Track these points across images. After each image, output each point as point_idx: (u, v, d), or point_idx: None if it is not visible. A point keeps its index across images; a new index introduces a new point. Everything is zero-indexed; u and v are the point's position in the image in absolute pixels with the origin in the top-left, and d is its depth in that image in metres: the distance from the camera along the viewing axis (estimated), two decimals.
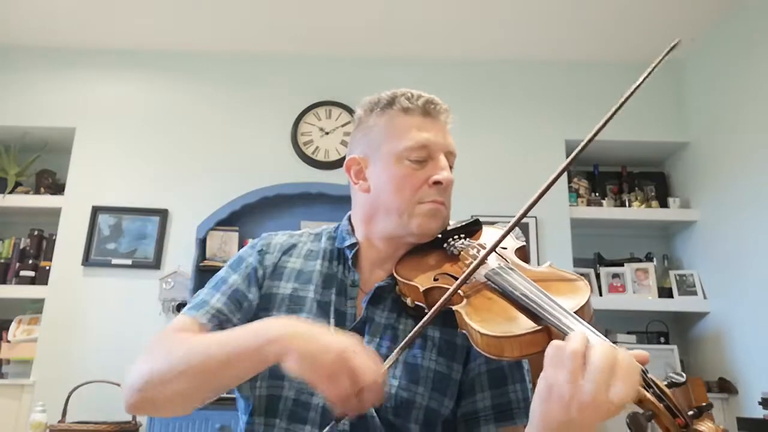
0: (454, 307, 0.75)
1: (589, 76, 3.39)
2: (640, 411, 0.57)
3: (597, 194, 3.32)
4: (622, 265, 3.18)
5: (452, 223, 0.97)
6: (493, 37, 3.23)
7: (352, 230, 0.99)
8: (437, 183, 0.90)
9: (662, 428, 0.57)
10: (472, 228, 0.97)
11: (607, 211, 3.23)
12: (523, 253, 0.90)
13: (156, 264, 3.04)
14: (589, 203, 3.26)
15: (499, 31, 3.18)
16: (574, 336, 0.60)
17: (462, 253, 0.89)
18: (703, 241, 3.09)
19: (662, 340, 3.10)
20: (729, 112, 2.91)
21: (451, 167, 0.95)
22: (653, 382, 0.58)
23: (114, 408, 2.67)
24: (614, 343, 0.61)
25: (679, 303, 3.03)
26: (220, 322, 0.89)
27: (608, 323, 3.13)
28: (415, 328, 0.76)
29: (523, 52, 3.35)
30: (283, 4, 3.01)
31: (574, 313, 0.67)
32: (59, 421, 2.53)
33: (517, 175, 3.22)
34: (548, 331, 0.66)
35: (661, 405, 0.57)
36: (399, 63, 3.37)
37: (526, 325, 0.68)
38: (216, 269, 3.04)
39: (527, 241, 3.08)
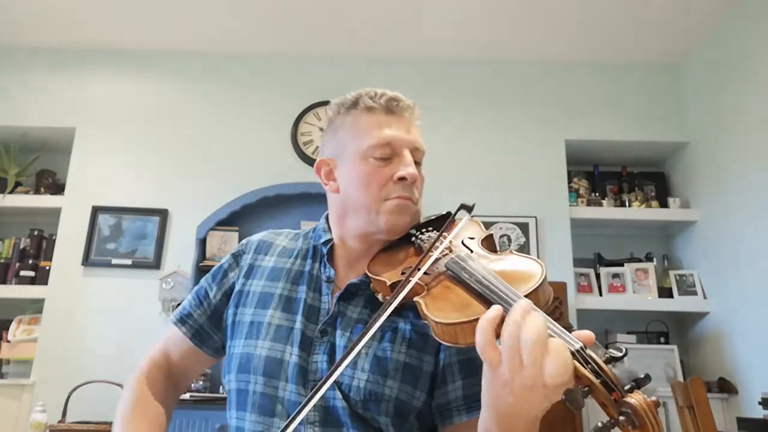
0: (415, 299, 0.77)
1: (589, 76, 3.39)
2: (577, 388, 0.57)
3: (597, 194, 3.32)
4: (622, 265, 3.18)
5: (425, 218, 0.99)
6: (493, 37, 3.23)
7: (329, 229, 1.01)
8: (402, 179, 0.91)
9: (599, 403, 0.58)
10: (444, 220, 0.96)
11: (607, 211, 3.23)
12: (490, 243, 0.90)
13: (156, 264, 3.04)
14: (589, 203, 3.26)
15: (499, 31, 3.18)
16: (507, 321, 0.61)
17: (427, 245, 0.89)
18: (703, 241, 3.09)
19: (662, 340, 3.10)
20: (729, 112, 2.91)
21: (418, 163, 0.96)
22: (591, 358, 0.58)
23: (114, 408, 2.65)
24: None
25: (679, 303, 3.03)
26: (188, 323, 1.03)
27: (608, 323, 3.13)
28: (372, 318, 0.77)
29: (523, 52, 3.35)
30: (283, 5, 3.01)
31: (527, 295, 0.67)
32: (59, 421, 2.53)
33: (517, 175, 3.22)
34: (501, 320, 0.66)
35: (598, 381, 0.57)
36: (399, 63, 3.37)
37: (478, 310, 0.68)
38: None
39: (527, 241, 3.08)
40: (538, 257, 3.02)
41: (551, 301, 0.69)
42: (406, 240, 0.95)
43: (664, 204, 3.26)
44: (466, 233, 0.91)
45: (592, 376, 0.58)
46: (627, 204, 3.27)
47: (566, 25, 3.11)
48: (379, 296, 0.88)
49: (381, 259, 0.92)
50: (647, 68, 3.38)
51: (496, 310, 0.63)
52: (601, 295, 3.11)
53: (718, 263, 2.95)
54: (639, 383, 0.56)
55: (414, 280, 0.79)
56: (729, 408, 2.75)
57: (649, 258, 3.23)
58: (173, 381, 1.05)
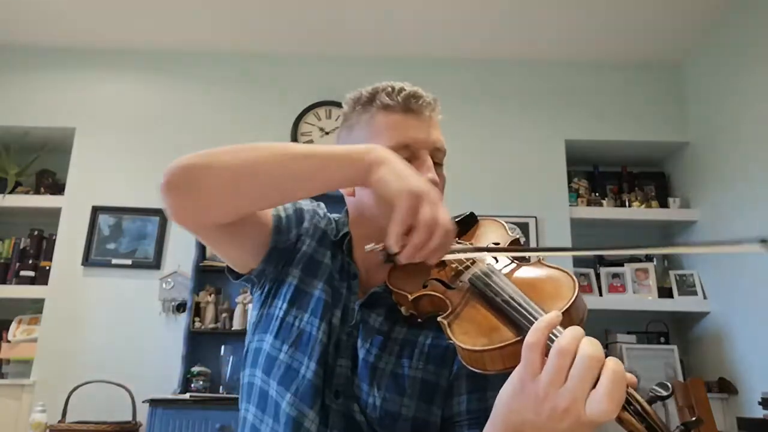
0: (439, 320, 0.71)
1: (589, 76, 3.39)
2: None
3: (597, 194, 3.32)
4: (622, 265, 3.18)
5: None
6: (492, 37, 3.23)
7: (348, 223, 0.96)
8: None
9: None
10: (467, 223, 0.90)
11: (607, 211, 3.23)
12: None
13: (156, 264, 3.04)
14: (589, 203, 3.26)
15: (499, 31, 3.18)
16: (565, 333, 0.55)
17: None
18: (703, 241, 3.09)
19: (662, 340, 3.10)
20: (729, 112, 2.91)
21: (439, 164, 0.90)
22: (634, 398, 0.53)
23: (114, 408, 2.67)
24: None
25: (679, 303, 3.03)
26: (281, 227, 0.92)
27: (608, 323, 3.13)
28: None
29: (523, 52, 3.35)
30: (283, 4, 3.01)
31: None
32: (59, 421, 2.53)
33: (517, 175, 3.22)
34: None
35: (642, 426, 0.52)
36: (399, 63, 3.37)
37: (506, 336, 0.64)
38: (216, 269, 3.05)
39: (527, 241, 3.08)
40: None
41: (585, 320, 0.63)
42: None
43: (664, 204, 3.25)
44: (490, 238, 0.85)
45: (635, 420, 0.52)
46: (627, 204, 3.27)
47: (566, 25, 3.11)
48: (403, 309, 0.82)
49: (402, 270, 0.84)
50: (647, 68, 3.38)
51: (557, 316, 0.58)
52: (601, 295, 3.11)
53: (718, 263, 2.94)
54: (688, 427, 0.51)
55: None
56: (729, 408, 2.75)
57: (649, 258, 3.23)
58: None
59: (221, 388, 2.78)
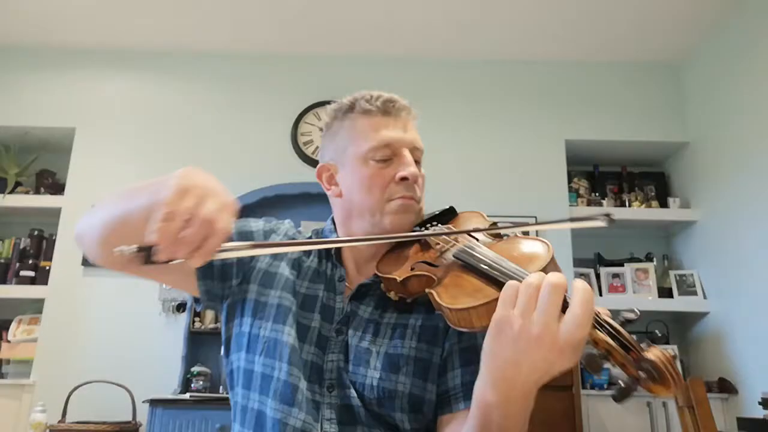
0: (427, 290, 0.78)
1: (589, 76, 3.39)
2: (595, 352, 0.59)
3: (597, 194, 3.32)
4: (622, 265, 3.18)
5: (428, 214, 1.00)
6: (493, 37, 3.23)
7: (335, 230, 1.02)
8: (404, 179, 0.92)
9: (618, 365, 0.59)
10: (447, 215, 0.99)
11: (607, 211, 3.22)
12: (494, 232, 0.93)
13: None
14: (589, 203, 3.26)
15: (499, 31, 3.18)
16: (531, 273, 0.62)
17: (433, 239, 0.92)
18: (703, 241, 3.09)
19: (662, 340, 3.10)
20: (729, 113, 2.91)
21: (418, 162, 0.96)
22: (606, 322, 0.59)
23: (114, 408, 2.67)
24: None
25: (679, 303, 3.03)
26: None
27: None
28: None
29: (523, 52, 3.35)
30: (283, 4, 3.01)
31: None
32: (59, 421, 2.53)
33: (517, 175, 3.22)
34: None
35: (615, 343, 0.59)
36: (399, 63, 3.37)
37: (490, 293, 0.69)
38: None
39: None
40: None
41: None
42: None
43: (664, 204, 3.25)
44: (470, 225, 0.93)
45: (609, 339, 0.59)
46: (627, 204, 3.27)
47: (566, 25, 3.11)
48: (391, 294, 0.89)
49: (389, 259, 0.93)
50: (647, 68, 3.38)
51: (535, 274, 0.63)
52: (601, 295, 3.11)
53: (718, 263, 2.95)
54: (654, 340, 0.59)
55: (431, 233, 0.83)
56: (729, 408, 2.75)
57: (649, 258, 3.23)
58: None
59: (221, 388, 2.78)
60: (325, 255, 1.00)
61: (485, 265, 0.74)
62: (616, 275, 3.15)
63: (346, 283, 0.96)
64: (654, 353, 0.57)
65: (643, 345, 0.58)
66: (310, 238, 1.06)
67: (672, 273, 3.12)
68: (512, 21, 3.09)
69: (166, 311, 2.96)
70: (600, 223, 0.67)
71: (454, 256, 0.81)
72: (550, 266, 0.71)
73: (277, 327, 0.91)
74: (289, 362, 0.87)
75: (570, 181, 3.28)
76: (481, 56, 3.39)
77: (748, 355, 2.70)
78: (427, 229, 0.94)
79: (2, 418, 2.78)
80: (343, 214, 0.99)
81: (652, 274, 3.12)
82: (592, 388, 2.81)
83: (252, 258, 0.98)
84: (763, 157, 2.63)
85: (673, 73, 3.38)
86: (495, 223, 0.91)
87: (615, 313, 0.62)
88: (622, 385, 0.57)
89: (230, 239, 0.91)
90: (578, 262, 3.16)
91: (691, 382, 1.93)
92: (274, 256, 0.99)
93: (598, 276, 3.18)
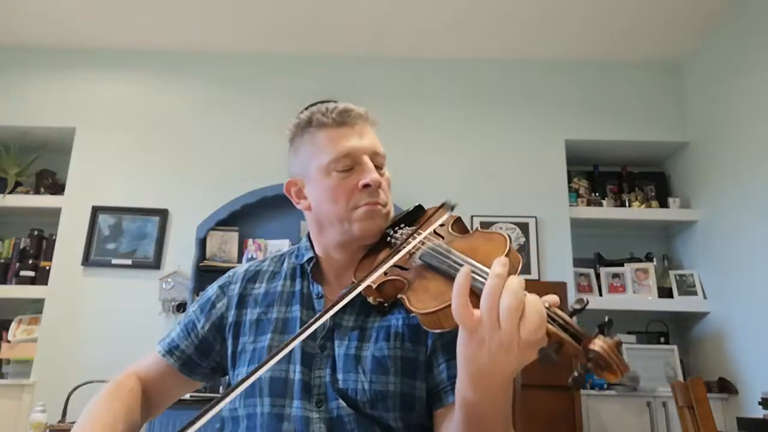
0: (399, 296, 0.81)
1: (589, 76, 3.39)
2: (547, 347, 0.62)
3: (597, 194, 3.32)
4: (622, 265, 3.18)
5: (396, 215, 1.02)
6: (492, 37, 3.23)
7: (311, 246, 1.05)
8: (366, 186, 0.94)
9: (572, 356, 0.61)
10: (415, 215, 1.01)
11: (607, 211, 3.23)
12: (460, 226, 0.94)
13: (156, 264, 3.04)
14: (589, 203, 3.26)
15: (499, 31, 3.18)
16: (489, 277, 0.65)
17: (399, 242, 0.94)
18: (703, 241, 3.09)
19: (662, 340, 3.10)
20: (729, 113, 2.91)
21: (380, 166, 0.99)
22: (557, 315, 0.63)
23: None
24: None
25: (679, 303, 3.03)
26: (175, 354, 1.04)
27: None
28: (347, 290, 0.81)
29: (523, 52, 3.35)
30: (283, 4, 3.02)
31: None
32: (59, 421, 2.52)
33: (517, 175, 3.22)
34: (475, 293, 0.70)
35: (566, 334, 0.61)
36: (399, 63, 3.37)
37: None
38: (216, 269, 3.05)
39: (527, 241, 3.08)
40: (538, 257, 3.04)
41: (520, 268, 0.73)
42: (383, 241, 0.98)
43: (664, 204, 3.25)
44: (436, 221, 0.95)
45: (560, 331, 0.62)
46: (627, 204, 3.27)
47: (566, 25, 3.11)
48: (371, 299, 0.91)
49: (364, 265, 0.96)
50: (647, 68, 3.38)
51: (463, 274, 0.66)
52: (601, 295, 3.12)
53: (718, 263, 2.95)
54: (602, 329, 0.61)
55: (380, 271, 0.84)
56: (729, 408, 2.75)
57: (649, 258, 3.23)
58: (147, 401, 1.04)
59: (221, 388, 2.78)
60: (299, 274, 1.03)
61: (447, 266, 0.77)
62: (616, 275, 3.15)
63: (328, 297, 0.99)
64: (598, 343, 0.59)
65: (593, 334, 0.61)
66: (283, 256, 1.10)
67: (672, 273, 3.12)
68: (512, 21, 3.09)
69: (166, 311, 2.96)
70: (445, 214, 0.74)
71: (420, 258, 0.84)
72: (510, 255, 0.73)
73: (260, 338, 0.96)
74: (270, 394, 0.90)
75: (570, 181, 3.28)
76: (481, 56, 3.39)
77: (747, 355, 2.70)
78: (395, 231, 0.97)
79: (2, 418, 2.78)
80: (316, 226, 1.02)
81: (652, 274, 3.12)
82: (592, 388, 2.81)
83: (221, 316, 1.03)
84: (763, 157, 2.63)
85: (673, 73, 3.38)
86: (459, 218, 0.95)
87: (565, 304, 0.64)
88: (576, 374, 0.61)
89: (194, 312, 1.05)
90: (578, 262, 3.16)
91: (691, 382, 1.93)
92: (238, 305, 1.02)
93: (598, 276, 3.18)
